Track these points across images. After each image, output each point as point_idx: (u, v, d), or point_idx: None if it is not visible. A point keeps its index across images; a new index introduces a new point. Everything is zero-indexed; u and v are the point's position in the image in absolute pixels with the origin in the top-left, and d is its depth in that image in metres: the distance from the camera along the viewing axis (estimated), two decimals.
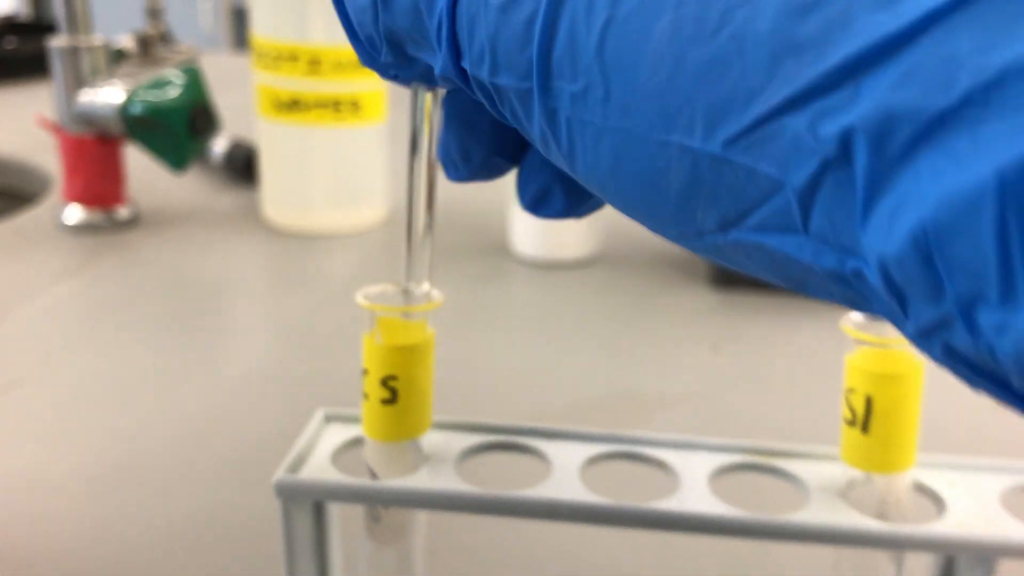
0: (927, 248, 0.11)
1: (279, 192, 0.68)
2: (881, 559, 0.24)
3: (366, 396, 0.24)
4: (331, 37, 0.62)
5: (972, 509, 0.23)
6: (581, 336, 0.55)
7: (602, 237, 0.66)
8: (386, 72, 0.19)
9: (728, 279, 0.61)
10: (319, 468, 0.24)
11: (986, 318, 0.11)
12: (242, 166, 0.76)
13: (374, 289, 0.24)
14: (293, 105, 0.64)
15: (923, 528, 0.23)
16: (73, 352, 0.51)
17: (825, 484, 0.24)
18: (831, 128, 0.12)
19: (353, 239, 0.68)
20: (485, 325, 0.56)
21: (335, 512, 0.25)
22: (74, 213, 0.67)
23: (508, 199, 0.66)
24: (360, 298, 0.23)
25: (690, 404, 0.47)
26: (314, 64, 0.62)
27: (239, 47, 2.53)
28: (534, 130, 0.16)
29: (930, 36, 0.11)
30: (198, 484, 0.39)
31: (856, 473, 0.24)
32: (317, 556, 0.25)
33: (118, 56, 1.17)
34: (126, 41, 1.22)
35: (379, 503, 0.24)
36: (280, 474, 0.24)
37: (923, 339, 0.12)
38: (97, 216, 0.67)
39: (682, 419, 0.45)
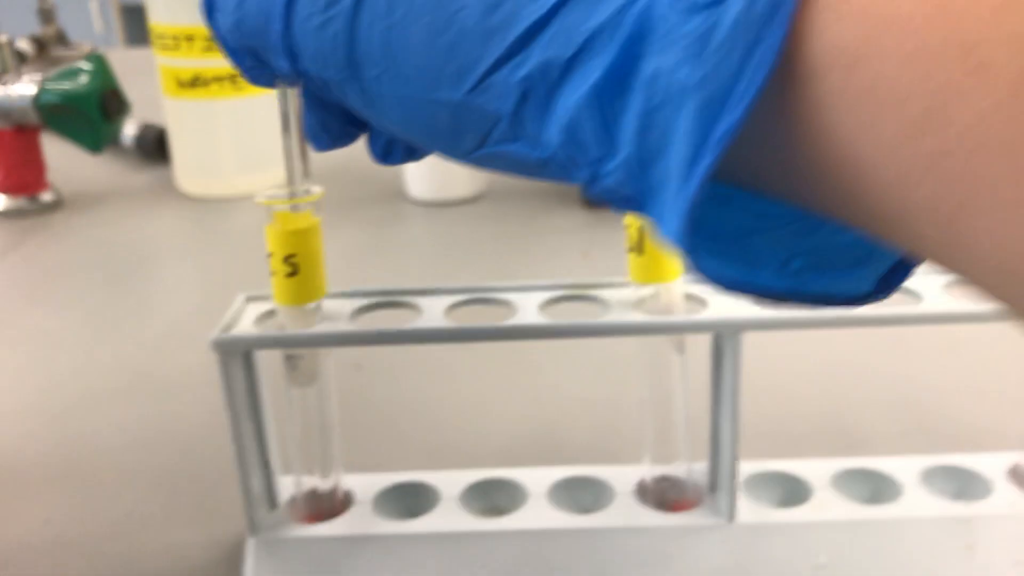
0: (571, 135, 0.19)
1: (190, 163, 0.75)
2: (667, 348, 0.33)
3: (274, 273, 0.32)
4: None
5: (727, 305, 0.32)
6: (471, 258, 0.63)
7: (487, 177, 0.75)
8: (253, 78, 0.27)
9: (596, 200, 0.70)
10: (245, 330, 0.32)
11: (605, 168, 0.19)
12: (153, 146, 0.82)
13: (268, 191, 0.31)
14: (194, 82, 0.70)
15: (689, 316, 0.31)
16: (20, 317, 0.57)
17: (623, 302, 0.33)
18: (518, 76, 0.20)
19: None
20: (385, 259, 0.64)
21: (261, 364, 0.33)
22: (0, 201, 0.73)
23: None
24: (259, 198, 0.31)
25: None
26: (210, 42, 0.68)
27: (131, 43, 2.53)
28: (354, 104, 0.24)
29: (558, 16, 0.19)
30: (144, 404, 0.47)
31: (645, 291, 0.32)
32: (250, 401, 0.33)
33: (19, 58, 1.21)
34: (23, 43, 1.26)
35: (294, 346, 0.32)
36: (215, 334, 0.31)
37: (586, 188, 0.21)
38: (22, 201, 0.73)
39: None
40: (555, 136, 0.20)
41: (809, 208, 0.18)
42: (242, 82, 0.71)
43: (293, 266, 0.31)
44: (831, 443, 0.41)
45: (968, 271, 0.15)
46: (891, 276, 0.21)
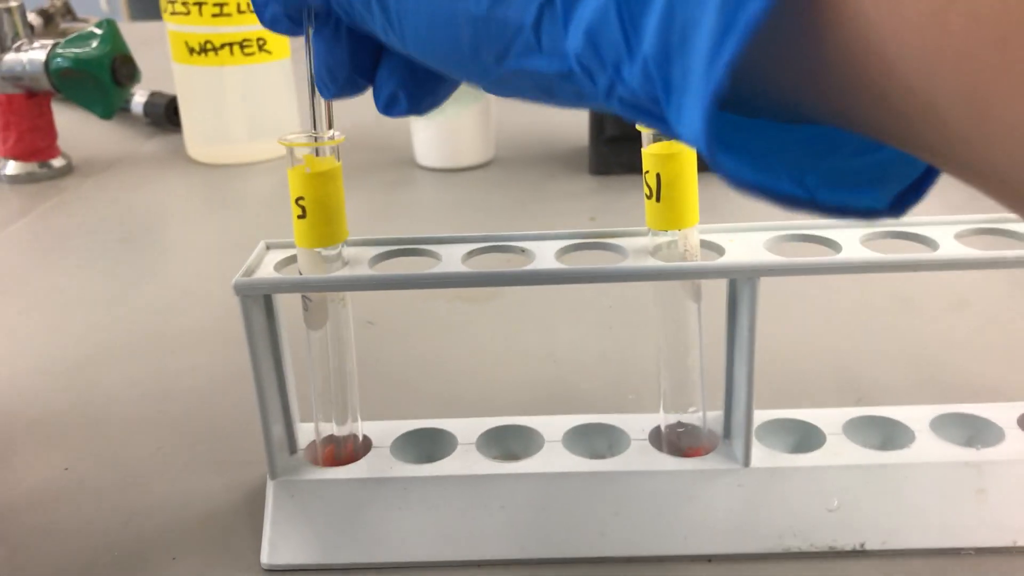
0: (592, 39, 0.19)
1: (200, 130, 0.75)
2: (683, 296, 0.33)
3: (294, 215, 0.32)
4: None
5: (743, 252, 0.32)
6: (480, 221, 0.63)
7: (495, 146, 0.75)
8: (276, 24, 0.28)
9: (604, 167, 0.70)
10: (265, 274, 0.32)
11: (626, 71, 0.19)
12: (162, 113, 0.83)
13: (293, 135, 0.32)
14: (204, 48, 0.70)
15: (706, 262, 0.32)
16: (35, 278, 0.58)
17: (640, 248, 0.33)
18: None
19: (270, 164, 0.75)
20: (396, 221, 0.64)
21: (280, 306, 0.33)
22: (12, 166, 0.73)
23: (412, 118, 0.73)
24: (281, 140, 0.31)
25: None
26: (220, 7, 0.68)
27: (136, 19, 2.53)
28: (376, 24, 0.24)
29: None
30: (159, 358, 0.47)
31: (661, 239, 0.33)
32: (271, 345, 0.33)
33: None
34: (30, 16, 1.25)
35: (314, 290, 0.32)
36: (237, 278, 0.32)
37: (607, 100, 0.20)
38: (33, 167, 0.73)
39: None
40: (576, 44, 0.19)
41: (826, 118, 0.18)
42: (251, 49, 0.71)
43: (302, 208, 0.32)
44: (842, 396, 0.41)
45: (992, 166, 0.15)
46: (904, 197, 0.21)
